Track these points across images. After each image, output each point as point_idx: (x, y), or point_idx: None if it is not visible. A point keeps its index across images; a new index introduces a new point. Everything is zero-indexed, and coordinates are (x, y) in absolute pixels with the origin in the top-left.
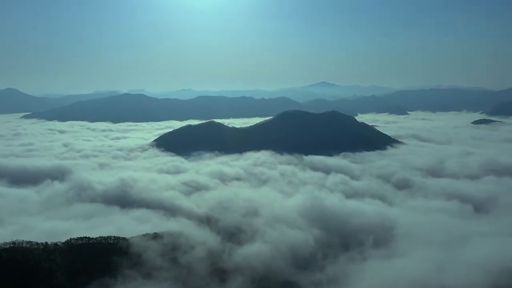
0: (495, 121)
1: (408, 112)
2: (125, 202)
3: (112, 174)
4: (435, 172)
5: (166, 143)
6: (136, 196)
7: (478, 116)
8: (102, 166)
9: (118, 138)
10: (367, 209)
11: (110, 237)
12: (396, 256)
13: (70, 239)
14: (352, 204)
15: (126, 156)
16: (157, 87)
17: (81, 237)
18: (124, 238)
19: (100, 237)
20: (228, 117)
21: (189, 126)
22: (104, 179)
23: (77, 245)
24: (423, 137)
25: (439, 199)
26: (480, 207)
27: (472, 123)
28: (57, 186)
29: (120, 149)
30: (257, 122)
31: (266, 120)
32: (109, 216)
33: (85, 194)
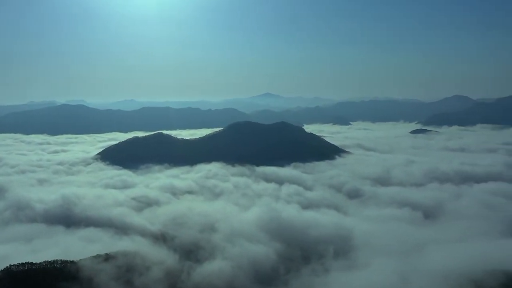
0: (430, 130)
1: (350, 122)
2: (70, 221)
3: (53, 191)
4: (383, 180)
5: (111, 156)
6: (82, 214)
7: (414, 126)
8: (41, 182)
9: (57, 152)
10: (324, 220)
11: (57, 261)
12: (358, 267)
13: (10, 265)
14: (309, 215)
15: (67, 170)
16: (97, 98)
17: (22, 263)
18: (72, 261)
19: (44, 261)
20: (175, 129)
21: (136, 138)
22: (45, 197)
23: (19, 272)
24: (368, 147)
25: (390, 207)
26: (428, 214)
27: (410, 132)
28: None
29: (60, 163)
30: (205, 133)
31: (216, 131)
32: (53, 237)
33: (23, 214)
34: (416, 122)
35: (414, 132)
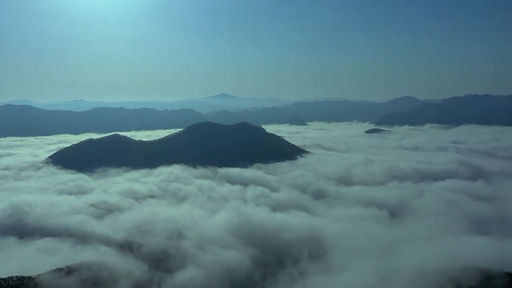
0: (384, 130)
1: (306, 122)
2: (22, 232)
3: (1, 198)
4: (346, 180)
5: (64, 159)
6: (36, 224)
7: (368, 126)
8: None
9: (1, 156)
10: (295, 222)
11: (12, 277)
12: (334, 269)
13: None
14: (280, 218)
15: (15, 176)
16: (44, 98)
17: None
18: (29, 277)
19: None
20: (130, 130)
21: (91, 140)
22: None
23: None
24: (327, 146)
25: (357, 207)
26: (394, 212)
27: (365, 132)
28: None
29: (6, 168)
30: (162, 134)
31: (176, 132)
32: (5, 251)
33: None
34: (369, 122)
35: (369, 131)
